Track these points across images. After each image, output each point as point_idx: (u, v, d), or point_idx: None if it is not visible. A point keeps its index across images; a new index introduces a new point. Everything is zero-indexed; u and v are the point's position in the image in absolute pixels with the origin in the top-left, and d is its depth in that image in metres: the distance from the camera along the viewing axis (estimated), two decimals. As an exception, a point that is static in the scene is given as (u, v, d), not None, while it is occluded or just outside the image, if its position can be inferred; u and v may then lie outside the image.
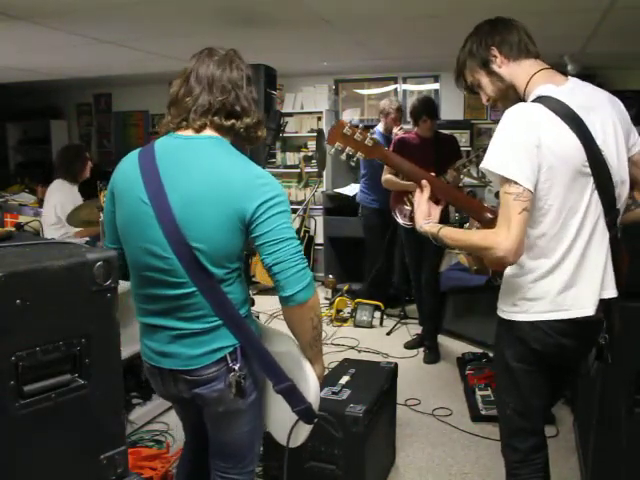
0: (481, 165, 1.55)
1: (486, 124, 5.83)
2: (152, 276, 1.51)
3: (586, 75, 4.79)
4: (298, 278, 1.45)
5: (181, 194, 1.44)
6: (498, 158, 1.50)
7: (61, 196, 3.85)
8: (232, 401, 1.54)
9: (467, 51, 1.70)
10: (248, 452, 1.69)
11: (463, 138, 5.66)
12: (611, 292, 1.62)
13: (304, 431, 1.64)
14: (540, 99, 1.54)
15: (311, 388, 1.59)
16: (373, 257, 4.92)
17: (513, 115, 1.53)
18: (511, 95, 1.64)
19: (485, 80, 1.69)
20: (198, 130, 1.52)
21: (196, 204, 1.44)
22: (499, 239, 1.47)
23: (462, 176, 3.80)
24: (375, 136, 1.88)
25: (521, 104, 1.56)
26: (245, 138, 1.60)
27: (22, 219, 4.91)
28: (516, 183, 1.46)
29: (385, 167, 3.83)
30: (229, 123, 1.53)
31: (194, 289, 1.47)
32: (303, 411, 1.57)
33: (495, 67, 1.65)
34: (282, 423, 1.65)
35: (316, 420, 1.62)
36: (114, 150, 7.26)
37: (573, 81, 1.62)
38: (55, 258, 1.07)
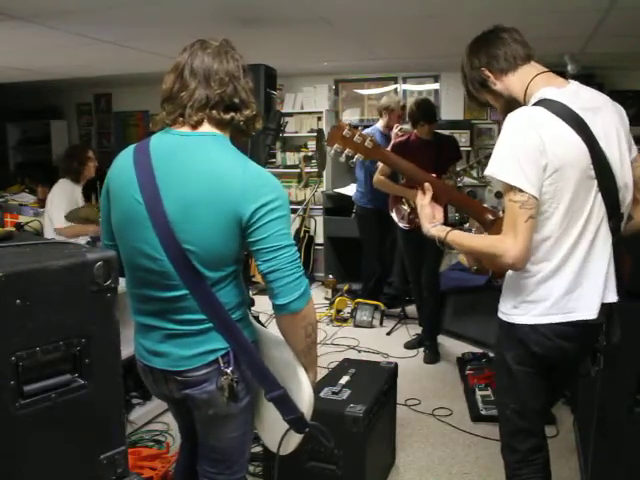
0: (485, 172, 1.55)
1: (486, 124, 5.83)
2: (145, 277, 1.48)
3: (586, 75, 4.79)
4: (293, 287, 1.41)
5: (176, 195, 1.40)
6: (502, 165, 1.50)
7: (62, 195, 3.88)
8: (223, 404, 1.50)
9: (464, 76, 1.73)
10: (238, 457, 1.63)
11: (463, 138, 5.65)
12: (613, 296, 1.60)
13: (295, 439, 1.60)
14: (542, 102, 1.53)
15: (304, 396, 1.54)
16: (368, 258, 4.92)
17: (515, 120, 1.52)
18: (516, 106, 1.63)
19: (489, 97, 1.71)
20: (195, 126, 1.47)
21: (191, 206, 1.39)
22: (507, 247, 1.48)
23: (460, 178, 3.81)
24: (371, 132, 1.89)
25: (522, 108, 1.56)
26: (242, 131, 1.55)
27: (22, 219, 4.91)
28: (521, 191, 1.46)
29: (379, 167, 3.81)
30: (228, 116, 1.48)
31: (186, 292, 1.44)
32: (294, 420, 1.52)
33: (492, 85, 1.66)
34: (273, 430, 1.60)
35: (307, 430, 1.56)
36: (114, 150, 7.26)
37: (575, 84, 1.61)
38: (55, 258, 1.07)
